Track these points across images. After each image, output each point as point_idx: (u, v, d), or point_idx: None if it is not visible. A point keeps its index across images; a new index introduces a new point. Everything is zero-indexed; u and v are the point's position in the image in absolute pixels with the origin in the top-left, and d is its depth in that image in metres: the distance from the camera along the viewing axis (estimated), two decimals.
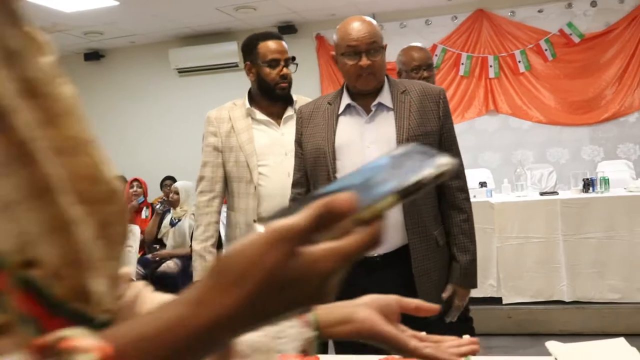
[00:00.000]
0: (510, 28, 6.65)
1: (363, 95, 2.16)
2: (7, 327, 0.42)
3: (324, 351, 0.78)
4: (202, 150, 2.65)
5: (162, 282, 5.39)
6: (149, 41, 7.79)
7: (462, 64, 6.71)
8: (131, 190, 5.99)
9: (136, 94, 8.05)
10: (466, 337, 0.88)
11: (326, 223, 0.46)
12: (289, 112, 2.64)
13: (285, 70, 2.58)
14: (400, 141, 2.07)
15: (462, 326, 2.34)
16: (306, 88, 5.90)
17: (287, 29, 7.12)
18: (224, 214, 2.69)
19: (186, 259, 5.57)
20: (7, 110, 0.44)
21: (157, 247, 5.73)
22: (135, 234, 4.83)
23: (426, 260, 2.11)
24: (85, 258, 0.48)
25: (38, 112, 0.47)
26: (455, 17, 6.80)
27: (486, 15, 6.69)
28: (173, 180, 6.47)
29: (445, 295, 2.16)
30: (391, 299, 0.88)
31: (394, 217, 2.07)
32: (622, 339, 1.57)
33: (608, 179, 4.71)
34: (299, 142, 2.27)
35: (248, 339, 0.77)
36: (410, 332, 0.86)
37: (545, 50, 6.53)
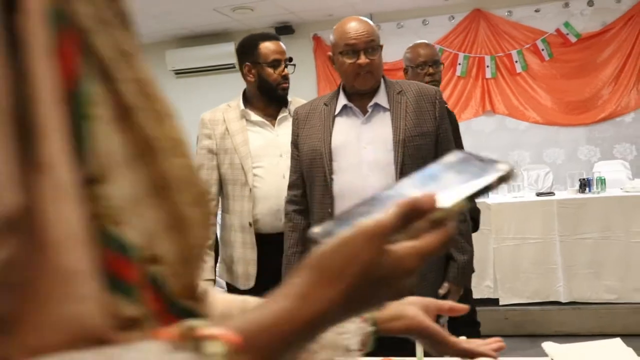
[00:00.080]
0: (507, 28, 6.65)
1: (359, 96, 2.16)
2: (138, 321, 0.43)
3: (378, 347, 0.87)
4: (195, 153, 2.64)
5: None
6: (146, 42, 7.78)
7: (459, 64, 6.71)
8: None
9: None
10: (494, 338, 0.98)
11: (409, 221, 0.49)
12: (284, 113, 2.63)
13: (286, 70, 2.58)
14: (396, 142, 2.08)
15: (469, 330, 2.36)
16: (303, 89, 5.90)
17: (284, 30, 7.12)
18: (218, 216, 2.69)
19: None
20: (134, 108, 0.46)
21: None
22: None
23: None
24: (196, 256, 0.50)
25: (150, 112, 0.48)
26: (452, 17, 6.80)
27: (483, 15, 6.70)
28: None
29: (441, 292, 2.17)
30: (429, 301, 0.96)
31: None
32: (618, 340, 1.58)
33: (604, 179, 4.71)
34: (295, 144, 2.27)
35: None
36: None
37: (542, 50, 6.54)
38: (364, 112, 2.15)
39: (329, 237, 0.50)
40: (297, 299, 0.46)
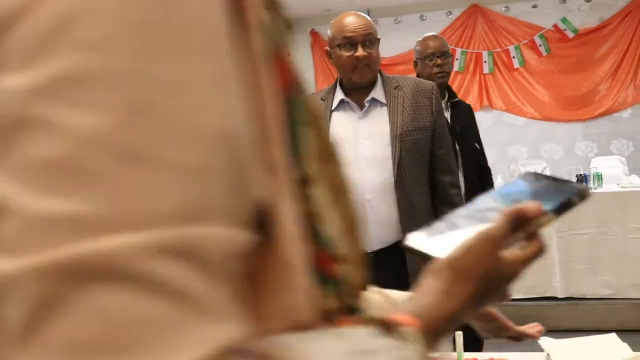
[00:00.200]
0: (505, 23, 6.65)
1: (356, 90, 2.16)
2: (333, 314, 0.46)
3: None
4: None
5: None
6: None
7: (457, 59, 6.70)
8: None
9: None
10: (534, 323, 1.07)
11: (517, 229, 0.55)
12: None
13: None
14: (394, 137, 2.08)
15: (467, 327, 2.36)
16: None
17: None
18: None
19: None
20: (319, 117, 0.52)
21: None
22: None
23: None
24: (362, 255, 0.54)
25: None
26: (449, 12, 6.80)
27: (480, 11, 6.69)
28: None
29: None
30: None
31: (388, 214, 2.08)
32: (613, 335, 1.58)
33: (601, 175, 4.72)
34: None
35: None
36: None
37: (540, 45, 6.54)
38: (361, 106, 2.16)
39: (421, 245, 0.59)
40: (441, 294, 0.52)
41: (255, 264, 0.38)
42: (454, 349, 1.32)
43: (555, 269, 4.40)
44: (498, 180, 5.21)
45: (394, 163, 2.07)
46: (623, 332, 1.69)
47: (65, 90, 0.29)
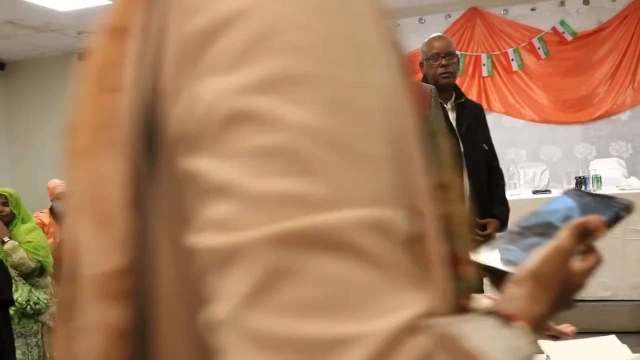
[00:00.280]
0: (504, 26, 6.66)
1: None
2: (464, 310, 0.51)
3: None
4: None
5: None
6: None
7: None
8: None
9: None
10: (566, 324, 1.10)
11: (581, 241, 0.60)
12: None
13: None
14: None
15: None
16: None
17: None
18: None
19: None
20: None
21: None
22: None
23: None
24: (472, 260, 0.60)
25: None
26: (448, 15, 6.81)
27: (479, 14, 6.71)
28: None
29: None
30: None
31: None
32: (613, 337, 1.59)
33: (600, 177, 4.73)
34: None
35: None
36: None
37: (539, 48, 6.56)
38: None
39: (491, 262, 0.64)
40: (529, 300, 0.56)
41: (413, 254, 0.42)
42: None
43: None
44: None
45: None
46: (623, 334, 1.70)
47: (274, 88, 0.34)
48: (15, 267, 3.62)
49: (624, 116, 6.42)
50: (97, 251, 0.43)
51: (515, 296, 0.57)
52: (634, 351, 1.49)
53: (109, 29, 0.45)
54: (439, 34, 3.26)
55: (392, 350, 0.31)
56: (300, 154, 0.33)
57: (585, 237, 0.60)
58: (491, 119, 6.80)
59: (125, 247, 0.41)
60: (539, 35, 6.55)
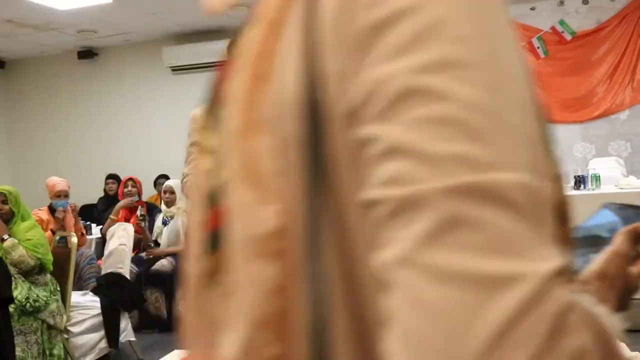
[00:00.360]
0: None
1: None
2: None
3: None
4: (187, 148, 2.66)
5: (155, 281, 5.40)
6: (143, 39, 7.78)
7: None
8: (125, 190, 5.96)
9: (129, 92, 8.05)
10: None
11: (635, 245, 0.66)
12: None
13: None
14: None
15: None
16: None
17: None
18: None
19: (181, 258, 5.56)
20: None
21: (152, 245, 5.72)
22: (129, 232, 4.83)
23: None
24: None
25: None
26: None
27: None
28: (167, 178, 6.46)
29: None
30: None
31: None
32: None
33: (599, 176, 4.74)
34: None
35: None
36: None
37: (538, 48, 6.57)
38: None
39: None
40: (599, 299, 0.58)
41: None
42: None
43: None
44: None
45: None
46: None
47: (442, 69, 0.40)
48: (14, 265, 3.63)
49: (623, 115, 6.43)
50: (255, 216, 0.49)
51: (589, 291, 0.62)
52: (633, 349, 1.49)
53: (266, 22, 0.52)
54: None
55: (548, 290, 0.36)
56: (468, 124, 0.38)
57: (637, 242, 0.66)
58: None
59: (280, 211, 0.48)
60: (538, 35, 6.56)
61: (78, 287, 4.51)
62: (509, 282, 0.35)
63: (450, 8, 0.41)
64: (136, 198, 5.93)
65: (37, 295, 3.72)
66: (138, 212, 5.84)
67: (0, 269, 3.36)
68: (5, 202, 3.79)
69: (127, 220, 5.63)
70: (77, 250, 4.37)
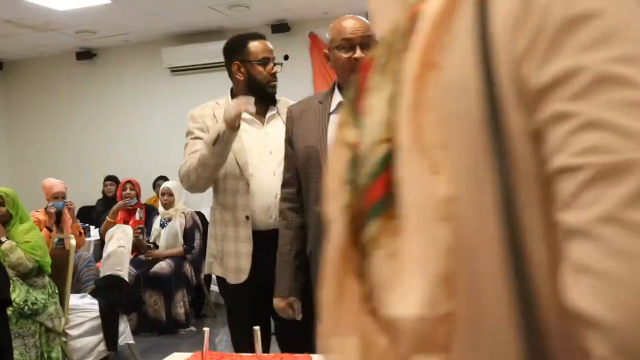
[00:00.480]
0: None
1: None
2: None
3: None
4: (186, 146, 2.62)
5: (154, 283, 5.37)
6: (142, 40, 7.76)
7: None
8: (124, 193, 5.92)
9: (128, 93, 8.02)
10: None
11: None
12: (272, 111, 2.64)
13: (275, 68, 2.58)
14: None
15: None
16: (299, 86, 5.88)
17: (280, 28, 7.11)
18: (206, 211, 2.68)
19: (179, 260, 5.53)
20: None
21: (151, 245, 5.69)
22: (128, 234, 4.80)
23: None
24: None
25: None
26: None
27: None
28: (166, 179, 6.42)
29: None
30: None
31: None
32: None
33: None
34: (289, 141, 2.27)
35: None
36: None
37: None
38: None
39: None
40: None
41: None
42: None
43: None
44: None
45: None
46: None
47: (631, 62, 0.47)
48: (12, 267, 3.61)
49: None
50: (428, 184, 0.55)
51: None
52: None
53: (431, 20, 0.57)
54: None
55: None
56: None
57: None
58: None
59: (448, 180, 0.55)
60: None
61: (76, 289, 4.49)
62: None
63: (630, 16, 0.49)
64: (134, 201, 5.89)
65: (35, 298, 3.69)
66: (137, 216, 5.81)
67: None
68: (2, 204, 3.77)
69: (125, 222, 5.60)
70: (76, 251, 4.35)
